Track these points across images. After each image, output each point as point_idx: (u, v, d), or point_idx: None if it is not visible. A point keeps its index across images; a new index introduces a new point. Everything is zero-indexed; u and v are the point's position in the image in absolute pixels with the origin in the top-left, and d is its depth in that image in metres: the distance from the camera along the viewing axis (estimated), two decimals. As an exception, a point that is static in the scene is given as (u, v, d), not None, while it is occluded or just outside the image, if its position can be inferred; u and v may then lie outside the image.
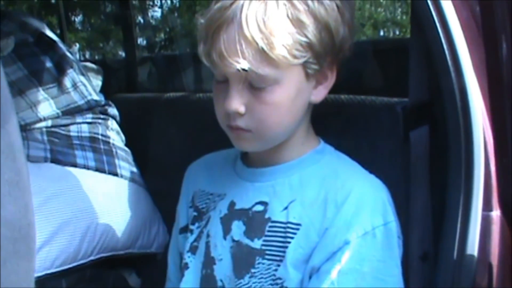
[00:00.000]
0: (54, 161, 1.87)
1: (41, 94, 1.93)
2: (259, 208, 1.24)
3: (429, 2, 1.17)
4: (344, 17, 1.18)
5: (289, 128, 1.22)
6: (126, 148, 2.07)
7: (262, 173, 1.27)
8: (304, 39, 1.12)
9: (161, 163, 2.07)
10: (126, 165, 1.98)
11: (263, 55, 1.10)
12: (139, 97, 2.37)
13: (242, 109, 1.16)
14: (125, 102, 2.32)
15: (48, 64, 1.99)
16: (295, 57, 1.12)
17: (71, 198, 1.79)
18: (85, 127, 1.97)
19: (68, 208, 1.76)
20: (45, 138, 1.90)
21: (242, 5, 1.11)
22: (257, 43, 1.09)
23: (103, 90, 2.36)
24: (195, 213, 1.36)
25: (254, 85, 1.14)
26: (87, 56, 11.73)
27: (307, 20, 1.12)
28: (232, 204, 1.28)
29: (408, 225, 1.34)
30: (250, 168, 1.30)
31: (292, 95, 1.17)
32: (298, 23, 1.12)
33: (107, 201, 1.86)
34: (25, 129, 1.89)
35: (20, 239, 0.68)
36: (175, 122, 2.05)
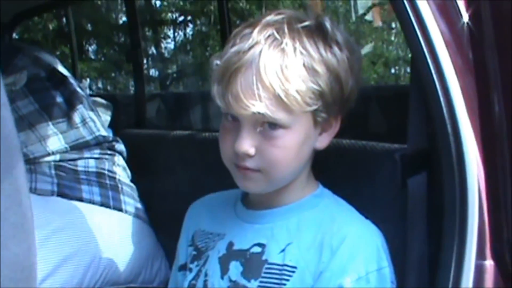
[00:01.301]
0: (61, 195, 1.90)
1: (50, 128, 1.97)
2: (257, 249, 1.27)
3: (425, 49, 1.20)
4: (353, 69, 1.23)
5: (295, 171, 1.26)
6: (132, 184, 2.10)
7: (262, 215, 1.30)
8: (317, 87, 1.17)
9: (166, 200, 2.10)
10: (131, 201, 2.02)
11: (278, 100, 1.15)
12: (147, 133, 2.41)
13: (252, 151, 1.19)
14: (133, 138, 2.35)
15: (59, 99, 2.03)
16: (307, 104, 1.17)
17: (76, 232, 1.82)
18: (92, 162, 2.01)
19: (73, 241, 1.79)
20: (53, 172, 1.93)
21: (261, 51, 1.15)
22: (274, 89, 1.14)
23: (112, 125, 2.40)
24: (194, 252, 1.39)
25: (266, 129, 1.18)
26: (100, 85, 11.83)
27: (321, 69, 1.18)
28: (230, 244, 1.31)
29: (404, 271, 1.36)
30: (250, 210, 1.33)
31: (301, 140, 1.21)
32: (312, 72, 1.17)
33: (111, 235, 1.89)
34: (33, 162, 1.93)
35: (22, 280, 0.71)
36: (181, 160, 2.09)
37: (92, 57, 12.46)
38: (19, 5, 2.88)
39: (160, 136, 2.28)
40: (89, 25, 12.05)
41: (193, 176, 1.98)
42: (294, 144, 1.21)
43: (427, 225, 1.36)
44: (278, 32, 1.17)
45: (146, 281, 1.96)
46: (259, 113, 1.15)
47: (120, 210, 1.97)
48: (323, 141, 1.28)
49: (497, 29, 1.04)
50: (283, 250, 1.24)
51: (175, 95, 3.34)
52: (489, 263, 1.18)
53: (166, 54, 12.81)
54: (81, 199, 1.92)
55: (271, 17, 1.21)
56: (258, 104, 1.14)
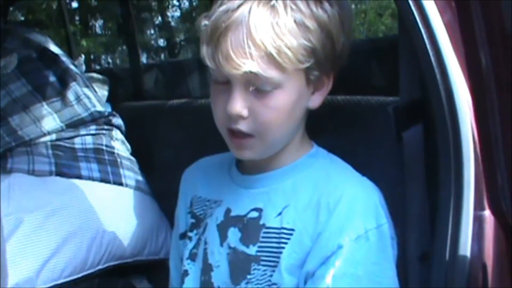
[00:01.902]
0: (59, 174, 1.89)
1: (45, 108, 1.95)
2: (254, 214, 1.25)
3: (411, 3, 1.17)
4: (344, 25, 1.20)
5: (289, 133, 1.23)
6: (131, 157, 2.09)
7: (257, 179, 1.28)
8: (309, 44, 1.15)
9: (167, 169, 2.07)
10: (131, 174, 2.00)
11: (270, 58, 1.12)
12: (145, 105, 2.39)
13: (245, 112, 1.17)
14: (132, 111, 2.34)
15: (52, 78, 2.01)
16: (300, 61, 1.15)
17: (77, 210, 1.81)
18: (89, 138, 2.00)
19: (74, 220, 1.79)
20: (50, 152, 1.92)
21: (251, 8, 1.12)
22: (265, 46, 1.11)
23: (110, 100, 2.38)
24: (193, 220, 1.37)
25: (258, 88, 1.16)
26: (109, 60, 11.79)
27: (312, 25, 1.15)
28: (228, 211, 1.30)
29: (405, 226, 1.34)
30: (245, 175, 1.31)
31: (293, 99, 1.18)
32: (304, 28, 1.14)
33: (112, 210, 1.88)
34: (29, 144, 1.92)
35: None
36: (179, 129, 2.07)
37: (99, 32, 12.42)
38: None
39: (158, 106, 2.26)
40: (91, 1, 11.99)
41: (193, 144, 1.96)
42: (287, 104, 1.18)
43: (427, 177, 1.33)
44: None
45: (152, 253, 1.96)
46: (250, 72, 1.12)
47: (121, 184, 1.95)
48: (316, 100, 1.25)
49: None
50: (280, 213, 1.23)
51: (171, 64, 3.30)
52: (487, 213, 1.16)
53: (173, 23, 12.74)
54: (80, 177, 1.91)
55: None
56: (249, 63, 1.12)
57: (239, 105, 1.16)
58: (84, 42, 11.21)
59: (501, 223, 1.15)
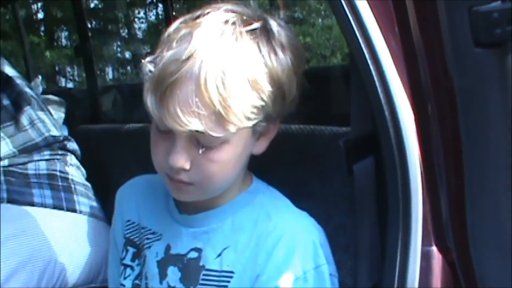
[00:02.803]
0: (11, 201, 1.86)
1: (-3, 133, 1.92)
2: (194, 255, 1.23)
3: (357, 32, 1.17)
4: (297, 73, 1.17)
5: (231, 181, 1.21)
6: (86, 183, 2.06)
7: (195, 219, 1.26)
8: (260, 102, 1.11)
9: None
10: (85, 201, 1.98)
11: (218, 117, 1.08)
12: (101, 128, 2.37)
13: (187, 165, 1.13)
14: (88, 134, 2.32)
15: (5, 101, 1.98)
16: (249, 119, 1.11)
17: (28, 238, 1.78)
18: (42, 164, 1.96)
19: (25, 248, 1.76)
20: (2, 178, 1.89)
21: (202, 62, 1.06)
22: (214, 106, 1.06)
23: (67, 122, 2.36)
24: (133, 249, 1.34)
25: (202, 144, 1.12)
26: (76, 72, 11.70)
27: (265, 82, 1.11)
28: (168, 247, 1.27)
29: (357, 257, 1.34)
30: (183, 214, 1.28)
31: (238, 152, 1.16)
32: (256, 86, 1.10)
33: (65, 238, 1.86)
34: (-20, 169, 1.89)
35: None
36: (136, 153, 2.04)
37: (64, 44, 12.32)
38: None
39: (114, 130, 2.25)
40: (58, 12, 11.91)
41: (148, 170, 1.94)
42: (231, 158, 1.15)
43: (378, 211, 1.33)
44: (221, 36, 1.09)
45: (106, 280, 1.93)
46: (197, 131, 1.08)
47: (74, 210, 1.93)
48: (261, 146, 1.22)
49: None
50: (219, 255, 1.21)
51: (130, 86, 3.28)
52: (434, 248, 1.16)
53: (140, 35, 12.69)
54: (32, 204, 1.88)
55: (213, 16, 1.12)
56: (196, 122, 1.07)
57: (182, 158, 1.12)
58: (48, 53, 11.13)
59: (447, 258, 1.16)
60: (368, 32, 1.16)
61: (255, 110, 1.11)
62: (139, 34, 12.51)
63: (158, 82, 1.08)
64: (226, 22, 1.11)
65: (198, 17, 1.14)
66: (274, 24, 1.16)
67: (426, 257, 1.16)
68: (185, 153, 1.12)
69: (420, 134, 1.14)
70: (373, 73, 1.18)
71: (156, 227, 1.31)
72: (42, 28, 12.21)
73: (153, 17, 12.17)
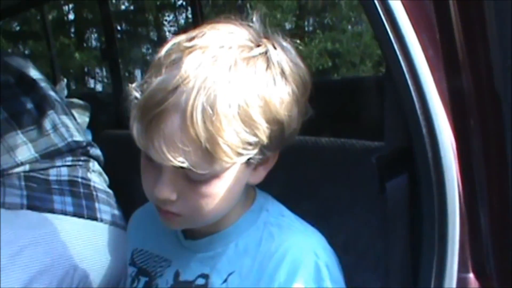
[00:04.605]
0: (31, 207, 1.82)
1: (19, 137, 1.88)
2: (201, 281, 1.18)
3: (395, 44, 1.10)
4: (299, 103, 1.08)
5: (224, 212, 1.14)
6: (109, 190, 2.02)
7: (200, 244, 1.20)
8: (253, 138, 1.03)
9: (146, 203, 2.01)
10: (107, 208, 1.93)
11: (205, 153, 1.00)
12: (126, 134, 2.31)
13: (173, 197, 1.07)
14: (113, 139, 2.27)
15: (29, 105, 1.95)
16: (240, 155, 1.03)
17: (48, 246, 1.74)
18: (64, 170, 1.92)
19: (44, 256, 1.72)
20: (23, 183, 1.85)
21: (190, 95, 0.98)
22: (200, 142, 0.99)
23: (91, 127, 2.32)
24: (146, 279, 1.28)
25: (190, 177, 1.05)
26: (104, 73, 11.77)
27: (260, 118, 1.02)
28: (177, 274, 1.22)
29: (387, 277, 1.28)
30: (187, 239, 1.23)
31: (230, 186, 1.08)
32: (249, 122, 1.01)
33: (85, 246, 1.82)
34: (1, 174, 1.85)
35: None
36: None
37: (94, 45, 12.40)
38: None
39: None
40: (88, 14, 12.01)
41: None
42: (221, 192, 1.08)
43: (411, 232, 1.27)
44: (214, 64, 1.01)
45: (126, 290, 1.89)
46: (181, 167, 1.01)
47: (95, 219, 1.88)
48: (258, 176, 1.14)
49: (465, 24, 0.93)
50: (225, 280, 1.15)
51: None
52: (471, 276, 1.09)
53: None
54: (52, 211, 1.83)
55: (208, 39, 1.04)
56: (181, 158, 1.00)
57: (167, 190, 1.06)
58: (77, 55, 11.21)
59: (486, 286, 1.09)
60: (405, 39, 1.10)
61: (247, 146, 1.03)
62: (168, 38, 12.56)
63: (144, 112, 1.01)
64: (222, 47, 1.03)
65: (193, 38, 1.05)
66: (274, 50, 1.06)
67: (462, 285, 1.09)
68: (172, 184, 1.06)
69: (459, 150, 1.07)
70: (410, 85, 1.12)
71: (166, 254, 1.26)
72: (72, 30, 12.31)
73: (182, 21, 12.20)
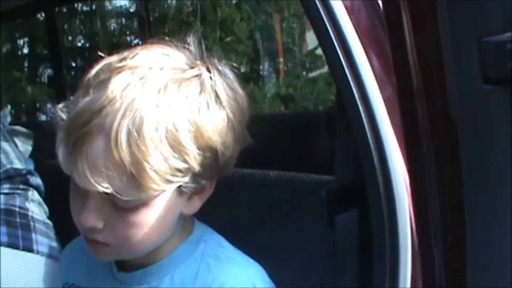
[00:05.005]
0: (-39, 236, 1.72)
1: (-47, 162, 1.79)
2: None
3: (350, 79, 1.07)
4: (235, 131, 1.03)
5: (156, 243, 1.07)
6: (48, 221, 1.92)
7: (134, 277, 1.13)
8: (183, 165, 0.97)
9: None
10: (44, 240, 1.84)
11: (131, 179, 0.95)
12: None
13: (100, 225, 1.01)
14: (56, 169, 2.17)
15: (-33, 130, 1.86)
16: (169, 182, 0.98)
17: (-23, 279, 1.64)
18: (1, 198, 1.83)
19: (-28, 290, 1.61)
20: (-46, 210, 1.75)
21: (115, 116, 0.93)
22: (126, 166, 0.93)
23: (35, 155, 2.23)
24: None
25: (117, 205, 0.99)
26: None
27: (190, 144, 0.97)
28: None
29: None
30: (121, 271, 1.15)
31: (160, 215, 1.02)
32: (178, 148, 0.96)
33: (18, 280, 1.71)
34: None
35: None
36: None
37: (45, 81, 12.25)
38: None
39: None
40: (43, 48, 11.90)
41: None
42: (150, 221, 1.02)
43: (361, 269, 1.22)
44: (142, 86, 0.95)
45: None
46: (106, 193, 0.95)
47: (31, 250, 1.78)
48: (192, 207, 1.08)
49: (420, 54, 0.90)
50: None
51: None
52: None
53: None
54: (-15, 241, 1.73)
55: (139, 60, 0.99)
56: (105, 185, 0.94)
57: (92, 218, 1.00)
58: (30, 88, 11.07)
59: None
60: (361, 74, 1.08)
61: (176, 173, 0.98)
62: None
63: (69, 133, 0.96)
64: (151, 68, 0.98)
65: (124, 58, 1.00)
66: (208, 74, 1.02)
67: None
68: (98, 212, 1.00)
69: (413, 183, 1.03)
70: (363, 117, 1.09)
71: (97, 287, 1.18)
72: (26, 64, 12.16)
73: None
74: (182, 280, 1.09)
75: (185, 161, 0.97)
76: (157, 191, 0.98)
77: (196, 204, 1.08)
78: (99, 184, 0.94)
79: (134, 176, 0.94)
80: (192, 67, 1.01)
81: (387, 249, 1.07)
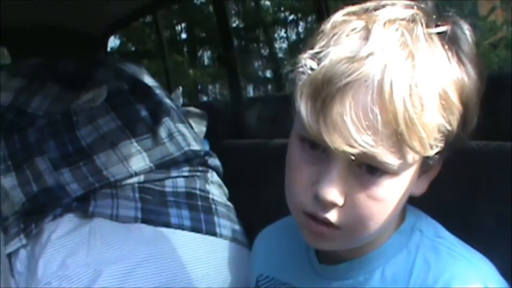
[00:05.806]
0: (146, 221, 1.70)
1: (133, 146, 1.78)
2: None
3: None
4: (480, 95, 0.90)
5: (385, 227, 0.92)
6: (229, 203, 1.87)
7: (337, 270, 0.99)
8: (447, 126, 0.85)
9: (270, 217, 1.85)
10: (227, 223, 1.78)
11: (397, 140, 0.82)
12: (246, 143, 2.16)
13: (341, 200, 0.86)
14: (232, 149, 2.13)
15: (143, 113, 1.84)
16: (430, 147, 0.84)
17: (163, 263, 1.62)
18: (181, 181, 1.79)
19: (159, 274, 1.60)
20: (137, 195, 1.73)
21: (386, 67, 0.81)
22: (398, 124, 0.81)
23: (208, 137, 2.19)
24: None
25: (363, 172, 0.86)
26: (217, 90, 11.90)
27: (455, 99, 0.85)
28: None
29: None
30: (323, 263, 1.02)
31: (404, 189, 0.89)
32: (447, 106, 0.84)
33: (203, 265, 1.67)
34: (114, 185, 1.74)
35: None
36: (282, 172, 1.83)
37: (206, 63, 12.53)
38: (109, 18, 2.72)
39: (260, 145, 2.03)
40: (201, 32, 12.20)
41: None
42: (396, 196, 0.88)
43: None
44: (409, 36, 0.84)
45: (245, 311, 1.72)
46: (366, 154, 0.82)
47: (214, 234, 1.73)
48: (422, 186, 0.94)
49: None
50: None
51: (276, 98, 3.05)
52: None
53: (280, 55, 12.71)
54: (168, 225, 1.70)
55: (392, 11, 0.87)
56: (370, 143, 0.81)
57: (336, 191, 0.85)
58: (191, 71, 11.38)
59: None
60: None
61: (439, 136, 0.85)
62: (281, 53, 12.54)
63: (321, 85, 0.83)
64: (413, 16, 0.86)
65: (367, 10, 0.88)
66: (462, 30, 0.89)
67: None
68: (342, 183, 0.86)
69: None
70: None
71: (296, 282, 1.06)
72: (185, 49, 12.52)
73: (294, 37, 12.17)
74: (394, 276, 0.95)
75: (449, 122, 0.84)
76: (416, 159, 0.85)
77: (425, 183, 0.94)
78: (365, 144, 0.81)
79: (403, 138, 0.81)
80: (444, 23, 0.88)
81: None
